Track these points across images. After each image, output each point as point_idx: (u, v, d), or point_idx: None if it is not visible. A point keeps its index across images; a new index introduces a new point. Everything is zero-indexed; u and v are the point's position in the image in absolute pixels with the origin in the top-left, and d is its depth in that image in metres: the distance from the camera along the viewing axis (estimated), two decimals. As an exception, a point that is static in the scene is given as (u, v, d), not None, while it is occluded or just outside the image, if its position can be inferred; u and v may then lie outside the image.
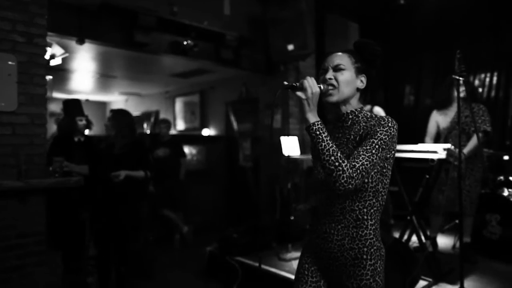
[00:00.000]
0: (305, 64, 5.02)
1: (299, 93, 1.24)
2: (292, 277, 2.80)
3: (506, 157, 3.73)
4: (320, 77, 1.32)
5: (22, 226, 2.55)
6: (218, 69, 5.47)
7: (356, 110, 1.32)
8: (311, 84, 1.22)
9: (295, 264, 3.13)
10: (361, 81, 1.32)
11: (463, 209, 3.13)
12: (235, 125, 6.06)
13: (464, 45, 2.81)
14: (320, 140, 1.18)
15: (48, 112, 2.94)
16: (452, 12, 4.60)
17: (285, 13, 4.40)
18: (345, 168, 1.15)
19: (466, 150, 3.06)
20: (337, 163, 1.15)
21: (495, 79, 4.59)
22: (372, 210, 1.26)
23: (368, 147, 1.19)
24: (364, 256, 1.25)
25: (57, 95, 6.61)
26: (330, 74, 1.30)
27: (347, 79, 1.29)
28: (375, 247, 1.26)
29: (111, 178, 2.66)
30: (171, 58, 4.66)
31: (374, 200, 1.26)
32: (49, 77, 2.88)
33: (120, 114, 2.91)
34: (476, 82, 4.71)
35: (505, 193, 3.35)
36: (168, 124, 4.84)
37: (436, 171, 2.83)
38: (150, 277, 3.58)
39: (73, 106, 3.26)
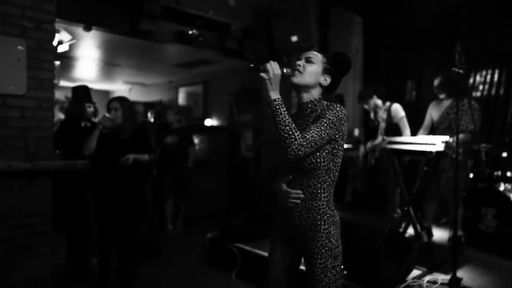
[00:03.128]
0: (309, 56, 5.04)
1: (262, 74, 1.43)
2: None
3: (504, 154, 3.79)
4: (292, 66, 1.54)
5: (29, 206, 2.63)
6: (221, 60, 5.50)
7: (315, 100, 1.54)
8: (274, 67, 1.42)
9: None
10: (325, 79, 1.54)
11: (449, 200, 3.21)
12: (237, 116, 6.11)
13: (465, 41, 2.84)
14: (279, 113, 1.40)
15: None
16: (454, 8, 4.61)
17: (289, 5, 4.42)
18: (297, 137, 1.38)
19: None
20: (290, 132, 1.38)
21: (496, 76, 4.62)
22: (325, 185, 1.49)
23: (318, 124, 1.43)
24: (319, 222, 1.48)
25: (61, 83, 6.65)
26: (300, 62, 1.54)
27: (312, 70, 1.52)
28: (327, 215, 1.49)
29: (121, 162, 2.73)
30: (176, 47, 4.70)
31: (326, 177, 1.49)
32: (57, 63, 2.93)
33: (124, 101, 2.95)
34: (478, 78, 4.74)
35: (502, 187, 3.41)
36: (174, 110, 4.78)
37: (434, 163, 2.88)
38: (155, 256, 3.68)
39: (83, 92, 3.32)
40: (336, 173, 1.52)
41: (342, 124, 1.45)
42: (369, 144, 3.99)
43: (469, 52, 2.63)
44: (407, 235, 3.05)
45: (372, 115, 4.24)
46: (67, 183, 3.03)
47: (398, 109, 3.92)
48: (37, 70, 2.69)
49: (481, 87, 4.72)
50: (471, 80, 4.72)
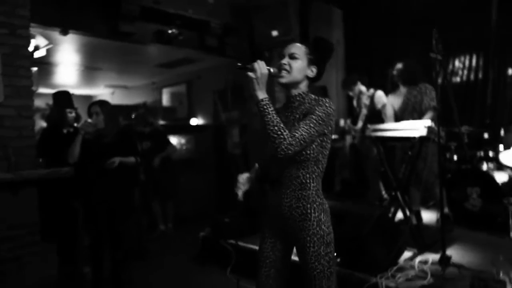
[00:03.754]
0: (290, 50, 5.05)
1: (250, 74, 1.42)
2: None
3: (486, 135, 3.89)
4: (277, 62, 1.55)
5: (14, 217, 2.58)
6: (203, 58, 5.47)
7: (303, 93, 1.55)
8: (261, 66, 1.42)
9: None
10: (312, 70, 1.55)
11: (431, 185, 3.31)
12: (222, 113, 6.09)
13: (443, 28, 2.89)
14: (267, 113, 1.40)
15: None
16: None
17: (268, -1, 4.43)
18: (286, 137, 1.38)
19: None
20: (279, 132, 1.38)
21: (474, 60, 4.73)
22: (314, 175, 1.51)
23: (307, 121, 1.43)
24: (309, 211, 1.49)
25: (41, 90, 6.52)
26: (285, 60, 1.53)
27: (298, 66, 1.52)
28: (317, 203, 1.51)
29: (106, 166, 2.69)
30: (156, 48, 4.66)
31: (315, 167, 1.51)
32: (34, 69, 2.87)
33: (105, 105, 2.91)
34: (456, 64, 4.84)
35: (485, 167, 3.50)
36: (141, 112, 4.63)
37: (418, 148, 2.94)
38: (144, 258, 3.67)
39: (63, 98, 3.25)
40: (324, 164, 1.54)
41: (330, 119, 1.47)
42: (348, 122, 4.06)
43: (447, 39, 2.68)
44: (396, 219, 3.11)
45: (355, 102, 4.28)
46: (53, 191, 2.97)
47: (381, 96, 3.98)
48: (14, 78, 2.63)
49: (460, 72, 4.83)
50: (450, 66, 4.82)
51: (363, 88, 4.16)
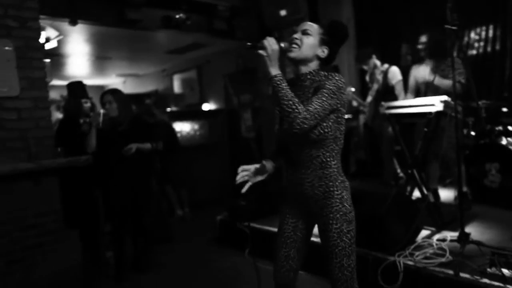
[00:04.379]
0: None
1: (261, 51, 1.42)
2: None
3: (504, 109, 3.77)
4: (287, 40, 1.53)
5: (38, 206, 2.66)
6: (213, 42, 5.42)
7: (313, 71, 1.53)
8: (271, 43, 1.42)
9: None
10: (323, 51, 1.53)
11: (451, 160, 3.23)
12: (234, 97, 6.07)
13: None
14: (281, 89, 1.39)
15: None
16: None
17: (276, -22, 4.32)
18: (301, 111, 1.38)
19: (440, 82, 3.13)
20: (293, 106, 1.38)
21: (491, 31, 4.55)
22: (333, 153, 1.51)
23: (319, 95, 1.42)
24: (331, 189, 1.50)
25: (54, 82, 6.61)
26: (297, 35, 1.52)
27: (309, 42, 1.51)
28: (339, 181, 1.52)
29: (123, 153, 2.74)
30: (165, 34, 4.64)
31: (334, 145, 1.50)
32: (47, 61, 2.90)
33: (117, 94, 2.94)
34: (472, 36, 4.67)
35: (504, 141, 3.41)
36: (147, 103, 4.74)
37: (434, 124, 2.88)
38: (167, 241, 3.78)
39: (78, 88, 3.30)
40: (342, 141, 1.53)
41: (341, 93, 1.45)
42: (351, 90, 3.97)
43: (462, 10, 2.58)
44: (413, 198, 3.08)
45: (367, 76, 4.19)
46: (74, 180, 3.05)
47: (395, 72, 3.88)
48: (28, 70, 2.67)
49: (476, 44, 4.66)
50: (465, 38, 4.66)
51: (378, 62, 4.03)
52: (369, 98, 4.07)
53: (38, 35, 2.78)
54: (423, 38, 3.49)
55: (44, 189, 2.66)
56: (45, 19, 3.38)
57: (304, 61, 1.52)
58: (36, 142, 2.65)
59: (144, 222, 3.07)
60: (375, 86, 3.97)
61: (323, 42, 1.52)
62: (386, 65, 3.96)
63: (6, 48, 2.58)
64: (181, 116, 5.95)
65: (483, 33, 4.59)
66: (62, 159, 2.68)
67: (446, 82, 3.09)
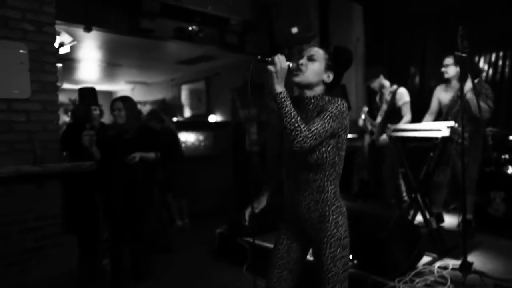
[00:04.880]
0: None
1: (270, 67, 1.42)
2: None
3: (511, 137, 3.75)
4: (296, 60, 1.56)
5: (39, 209, 2.66)
6: (223, 55, 5.48)
7: (318, 95, 1.55)
8: (281, 60, 1.42)
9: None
10: (328, 76, 1.55)
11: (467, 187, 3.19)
12: (240, 111, 6.10)
13: (468, 24, 2.81)
14: (285, 106, 1.40)
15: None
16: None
17: (288, -4, 4.38)
18: (302, 129, 1.38)
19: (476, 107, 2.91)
20: (296, 125, 1.38)
21: (500, 59, 4.56)
22: (331, 178, 1.52)
23: (321, 117, 1.43)
24: (327, 213, 1.50)
25: (64, 85, 6.68)
26: (303, 61, 1.54)
27: (315, 69, 1.53)
28: (335, 205, 1.52)
29: (127, 161, 2.75)
30: (177, 44, 4.70)
31: (332, 170, 1.51)
32: (59, 65, 2.94)
33: (127, 101, 2.97)
34: (482, 62, 4.69)
35: (510, 170, 3.39)
36: (156, 108, 4.80)
37: (440, 149, 2.86)
38: (167, 252, 3.75)
39: (89, 95, 3.34)
40: (341, 166, 1.54)
41: (344, 118, 1.46)
42: (363, 116, 3.97)
43: (472, 36, 2.59)
44: (416, 222, 3.04)
45: (378, 98, 4.19)
46: (76, 185, 3.05)
47: (403, 93, 3.89)
48: (40, 73, 2.71)
49: (485, 70, 4.67)
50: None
51: (386, 82, 4.02)
52: (379, 118, 4.06)
53: (53, 40, 2.83)
54: (446, 60, 3.41)
55: (46, 193, 2.67)
56: (61, 25, 3.45)
57: (309, 86, 1.54)
58: (42, 145, 2.66)
59: (142, 231, 3.06)
60: (384, 107, 3.97)
61: (328, 68, 1.55)
62: (395, 86, 3.97)
63: (21, 51, 2.63)
64: (187, 126, 5.98)
65: (493, 60, 4.61)
66: (66, 164, 2.69)
67: (476, 103, 2.91)
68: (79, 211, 3.17)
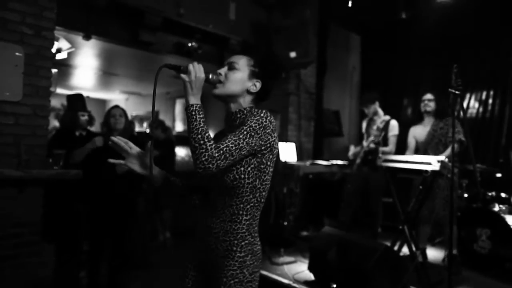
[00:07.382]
0: (306, 72, 5.09)
1: (183, 76, 1.25)
2: (284, 280, 2.84)
3: (498, 174, 3.81)
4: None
5: (18, 215, 2.58)
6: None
7: (245, 109, 1.34)
8: (197, 69, 1.24)
9: (287, 268, 3.16)
10: (254, 84, 1.35)
11: (445, 220, 3.21)
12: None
13: (462, 61, 2.90)
14: (194, 120, 1.19)
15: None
16: (452, 29, 4.72)
17: (288, 21, 4.48)
18: (208, 147, 1.16)
19: (444, 155, 3.14)
20: (202, 142, 1.16)
21: (491, 97, 4.69)
22: (248, 206, 1.29)
23: (236, 133, 1.22)
24: (234, 248, 1.28)
25: (58, 90, 6.63)
26: (221, 70, 1.35)
27: (237, 77, 1.33)
28: (246, 241, 1.29)
29: (117, 170, 2.70)
30: (175, 59, 4.71)
31: (251, 196, 1.28)
32: (54, 71, 2.92)
33: (125, 112, 2.98)
34: (472, 100, 4.81)
35: (496, 208, 3.41)
36: (159, 124, 4.81)
37: (430, 183, 2.88)
38: (146, 267, 3.64)
39: (76, 101, 3.28)
40: (264, 193, 1.31)
41: (267, 133, 1.24)
42: (352, 148, 4.02)
43: (465, 73, 2.67)
44: (401, 254, 3.02)
45: (365, 122, 4.21)
46: (59, 192, 2.97)
47: (395, 126, 3.95)
48: (34, 77, 2.68)
49: (475, 108, 4.79)
50: (466, 101, 4.78)
51: (380, 110, 4.08)
52: (364, 144, 4.04)
53: (51, 45, 2.82)
54: (428, 96, 3.62)
55: (27, 199, 2.60)
56: (60, 31, 3.44)
57: (232, 97, 1.34)
58: (29, 150, 2.61)
59: (123, 244, 2.97)
60: (371, 138, 3.96)
61: (253, 75, 1.35)
62: (388, 116, 4.02)
63: (17, 53, 2.61)
64: (177, 141, 5.94)
65: (483, 98, 4.73)
66: (51, 171, 2.63)
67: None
68: (60, 220, 3.07)
